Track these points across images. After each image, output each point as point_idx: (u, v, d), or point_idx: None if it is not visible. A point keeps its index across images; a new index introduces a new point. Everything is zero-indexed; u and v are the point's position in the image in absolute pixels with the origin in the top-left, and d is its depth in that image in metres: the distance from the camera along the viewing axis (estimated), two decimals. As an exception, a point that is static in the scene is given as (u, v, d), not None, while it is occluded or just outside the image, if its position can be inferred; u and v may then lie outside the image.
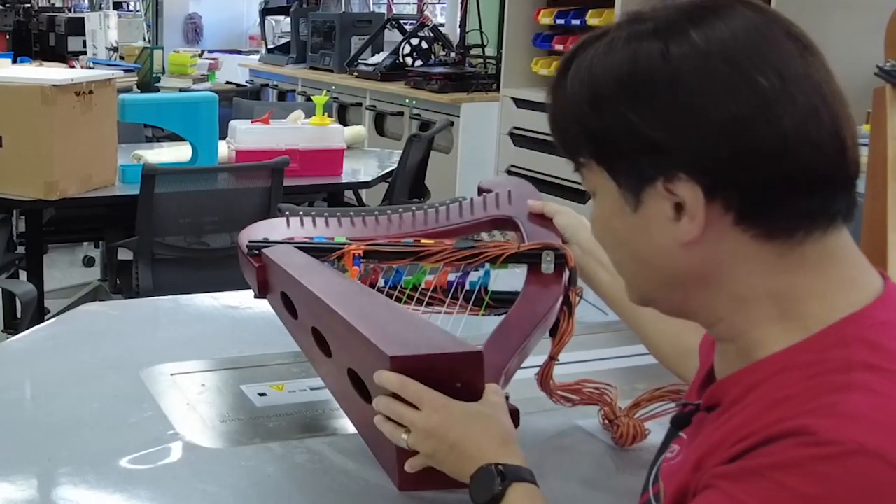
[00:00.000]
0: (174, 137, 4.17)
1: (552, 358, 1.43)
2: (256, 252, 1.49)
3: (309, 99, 5.53)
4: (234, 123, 3.89)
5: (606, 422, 1.43)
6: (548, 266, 1.48)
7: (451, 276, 1.51)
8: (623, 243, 0.92)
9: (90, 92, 3.36)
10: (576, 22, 5.30)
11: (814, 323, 0.84)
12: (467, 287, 1.49)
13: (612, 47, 0.86)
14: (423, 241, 1.53)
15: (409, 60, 6.36)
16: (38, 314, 3.29)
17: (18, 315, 3.65)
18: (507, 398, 1.27)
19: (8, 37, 8.63)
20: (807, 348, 0.83)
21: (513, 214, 1.58)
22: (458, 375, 1.20)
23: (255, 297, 1.54)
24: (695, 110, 0.82)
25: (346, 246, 1.51)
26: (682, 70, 0.83)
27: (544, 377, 1.43)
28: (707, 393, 0.93)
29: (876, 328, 0.83)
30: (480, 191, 1.66)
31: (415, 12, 7.57)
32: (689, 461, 0.87)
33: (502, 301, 1.49)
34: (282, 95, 7.21)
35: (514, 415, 1.27)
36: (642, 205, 0.88)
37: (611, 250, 0.96)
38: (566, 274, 1.46)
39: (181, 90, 5.73)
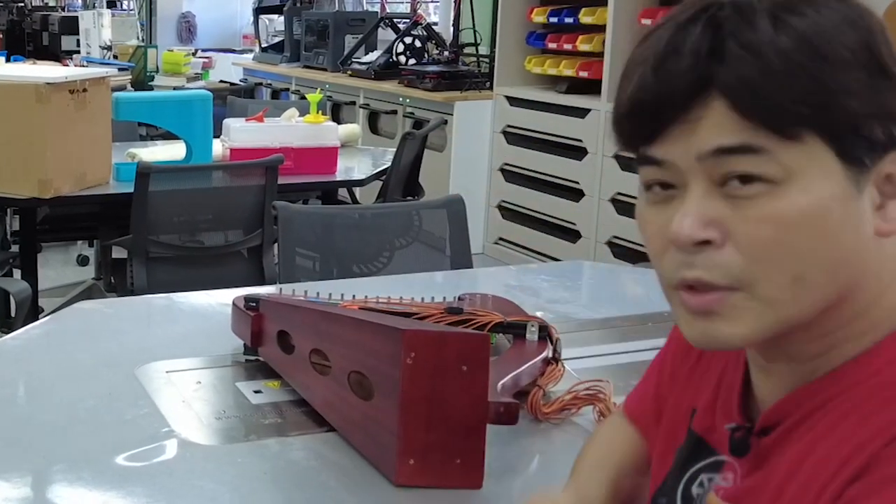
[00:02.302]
0: (168, 136, 4.17)
1: (539, 387, 1.50)
2: (254, 304, 1.63)
3: (303, 97, 5.53)
4: (228, 121, 3.89)
5: (602, 418, 1.44)
6: (532, 335, 1.60)
7: None
8: (829, 240, 0.76)
9: (84, 90, 3.35)
10: (569, 20, 5.30)
11: (882, 328, 0.79)
12: None
13: (819, 10, 0.76)
14: (415, 306, 1.67)
15: (402, 59, 6.37)
16: (33, 313, 3.29)
17: (13, 314, 3.65)
18: (509, 401, 1.32)
19: (1, 36, 8.61)
20: (888, 354, 0.78)
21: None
22: (465, 357, 1.25)
23: (245, 353, 1.67)
24: None
25: (342, 303, 1.65)
26: (886, 33, 0.78)
27: (533, 404, 1.47)
28: (767, 413, 0.85)
29: None
30: (460, 298, 1.81)
31: (408, 11, 7.56)
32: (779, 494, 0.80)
33: None
34: (275, 94, 7.21)
35: (514, 409, 1.30)
36: (865, 188, 0.77)
37: (803, 254, 0.76)
38: (549, 347, 1.58)
39: (175, 89, 5.72)
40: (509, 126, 5.57)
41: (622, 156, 4.50)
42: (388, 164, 4.11)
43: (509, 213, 5.66)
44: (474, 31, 6.14)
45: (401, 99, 6.01)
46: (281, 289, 1.81)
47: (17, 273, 3.75)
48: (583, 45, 5.20)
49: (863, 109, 0.75)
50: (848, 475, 0.73)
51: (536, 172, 5.36)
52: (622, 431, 1.14)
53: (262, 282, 3.37)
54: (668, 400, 1.03)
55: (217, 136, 3.81)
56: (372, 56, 6.55)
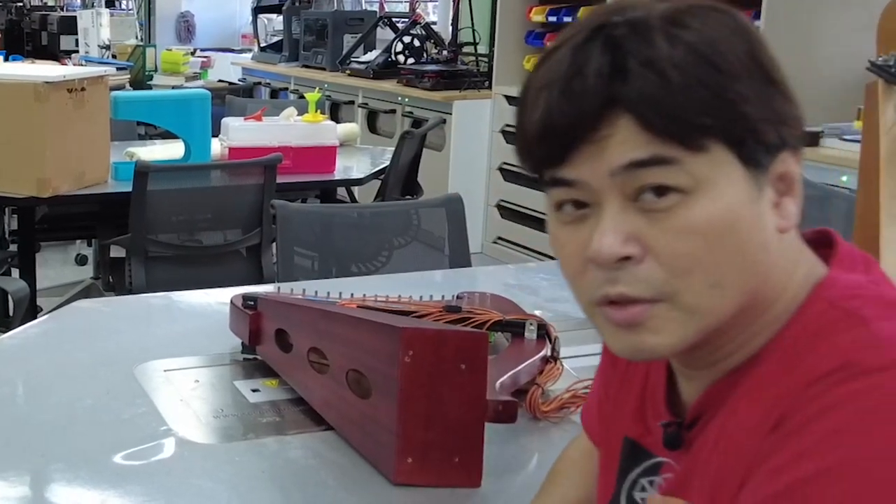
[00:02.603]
0: (167, 135, 4.16)
1: (538, 385, 1.50)
2: (252, 303, 1.62)
3: (301, 97, 5.53)
4: (226, 120, 3.89)
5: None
6: (531, 333, 1.60)
7: None
8: (742, 244, 0.79)
9: (83, 89, 3.35)
10: (568, 19, 5.30)
11: (787, 315, 0.82)
12: None
13: (706, 23, 0.79)
14: (413, 304, 1.67)
15: (401, 58, 6.37)
16: (31, 312, 3.28)
17: (11, 313, 3.65)
18: (508, 399, 1.33)
19: (0, 35, 8.60)
20: (792, 331, 0.81)
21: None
22: (463, 356, 1.25)
23: (243, 352, 1.67)
24: (783, 78, 0.81)
25: (340, 302, 1.65)
26: (764, 41, 0.82)
27: (532, 403, 1.46)
28: (693, 407, 0.87)
29: (840, 288, 0.82)
30: (459, 297, 1.81)
31: (407, 10, 7.56)
32: (705, 479, 0.82)
33: None
34: (274, 94, 7.20)
35: (512, 407, 1.30)
36: (764, 189, 0.80)
37: (720, 260, 0.78)
38: (548, 345, 1.58)
39: (174, 88, 5.72)
40: (508, 125, 5.56)
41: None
42: (387, 163, 4.11)
43: (508, 212, 5.66)
44: (473, 31, 6.14)
45: (399, 98, 6.01)
46: (279, 288, 1.81)
47: (15, 272, 3.75)
48: (582, 44, 5.19)
49: (758, 115, 0.78)
50: (766, 431, 0.76)
51: (535, 171, 5.36)
52: (582, 448, 1.15)
53: (260, 281, 3.37)
54: (607, 413, 1.04)
55: (216, 135, 3.81)
56: (371, 55, 6.55)
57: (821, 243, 0.88)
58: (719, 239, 0.77)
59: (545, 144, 0.81)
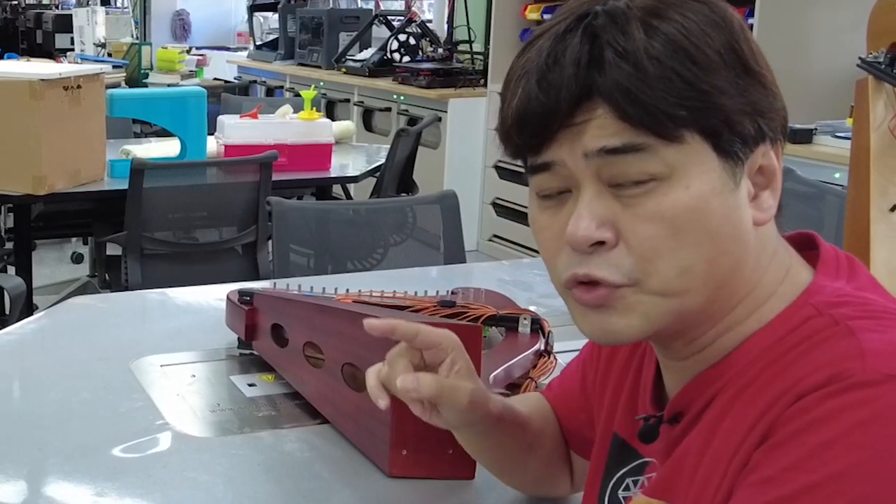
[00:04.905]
0: (163, 133, 4.17)
1: (531, 379, 1.51)
2: (248, 298, 1.62)
3: (297, 95, 5.54)
4: (222, 118, 3.89)
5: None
6: (525, 328, 1.61)
7: None
8: (711, 233, 0.79)
9: (78, 87, 3.36)
10: (563, 17, 5.31)
11: (764, 310, 0.83)
12: None
13: (685, 14, 0.79)
14: (408, 299, 1.67)
15: (396, 56, 6.37)
16: (27, 310, 3.29)
17: (7, 310, 3.65)
18: (501, 392, 1.35)
19: (-6, 33, 8.61)
20: (777, 333, 0.81)
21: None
22: None
23: (239, 347, 1.68)
24: (763, 70, 0.82)
25: (335, 297, 1.65)
26: (746, 31, 0.82)
27: None
28: (673, 401, 0.88)
29: (827, 294, 0.82)
30: (453, 292, 1.80)
31: (402, 8, 7.56)
32: (688, 482, 0.82)
33: None
34: (270, 92, 7.21)
35: None
36: (741, 181, 0.81)
37: (688, 247, 0.79)
38: (542, 339, 1.59)
39: (169, 86, 5.72)
40: (503, 123, 5.57)
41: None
42: (383, 160, 4.12)
43: (503, 209, 5.67)
44: (468, 29, 6.15)
45: (395, 96, 6.02)
46: (275, 284, 1.82)
47: (11, 270, 3.75)
48: (576, 42, 5.20)
49: (734, 107, 0.78)
50: (753, 442, 0.76)
51: (530, 169, 5.37)
52: (542, 403, 1.18)
53: (256, 278, 3.38)
54: (594, 412, 1.06)
55: (211, 133, 3.82)
56: (366, 53, 6.56)
57: (804, 245, 0.88)
58: (687, 226, 0.78)
59: (523, 131, 0.82)
